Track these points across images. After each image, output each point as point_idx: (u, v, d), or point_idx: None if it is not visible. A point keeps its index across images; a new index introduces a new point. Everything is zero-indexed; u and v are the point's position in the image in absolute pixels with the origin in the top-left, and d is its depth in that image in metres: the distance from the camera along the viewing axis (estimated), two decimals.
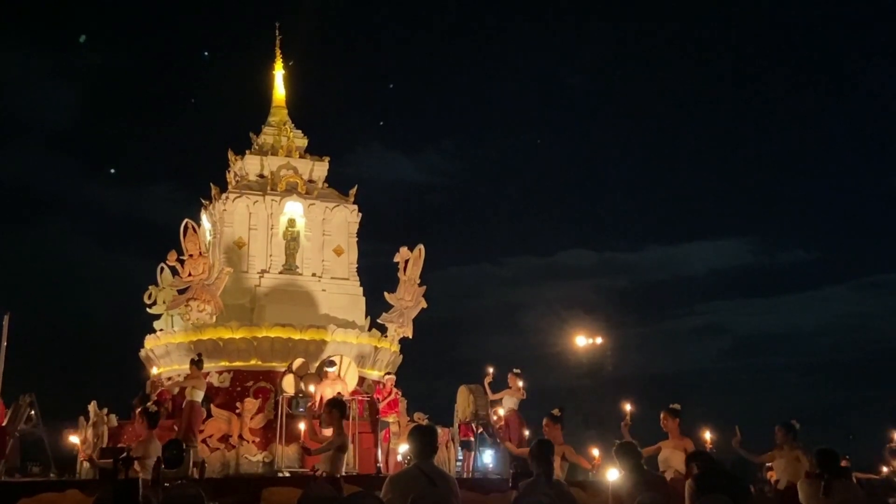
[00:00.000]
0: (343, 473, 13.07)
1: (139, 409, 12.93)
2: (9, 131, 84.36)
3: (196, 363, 20.03)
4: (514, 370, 22.18)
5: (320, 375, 21.80)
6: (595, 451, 15.17)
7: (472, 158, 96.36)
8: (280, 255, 27.41)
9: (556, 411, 14.32)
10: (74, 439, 12.99)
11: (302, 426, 18.55)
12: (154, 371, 26.22)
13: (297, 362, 23.05)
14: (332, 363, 21.39)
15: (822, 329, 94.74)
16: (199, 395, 19.65)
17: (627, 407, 16.34)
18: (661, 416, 13.97)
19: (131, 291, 30.41)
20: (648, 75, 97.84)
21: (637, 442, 14.13)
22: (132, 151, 77.17)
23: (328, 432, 13.26)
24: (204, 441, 21.55)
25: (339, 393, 20.11)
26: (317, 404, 19.97)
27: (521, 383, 21.94)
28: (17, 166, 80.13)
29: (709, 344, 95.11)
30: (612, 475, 9.63)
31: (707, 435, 14.41)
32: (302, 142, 29.85)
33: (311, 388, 21.22)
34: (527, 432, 21.31)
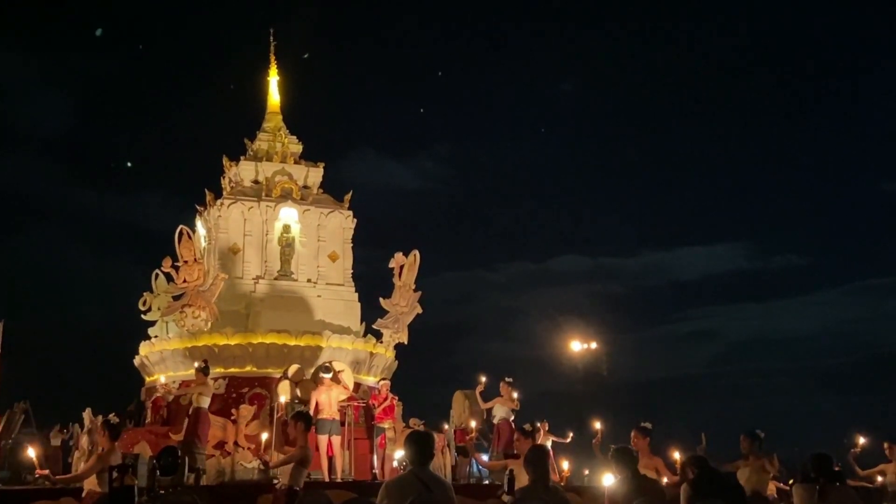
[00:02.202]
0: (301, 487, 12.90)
1: (101, 422, 12.74)
2: (1, 138, 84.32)
3: (202, 370, 19.84)
4: (507, 379, 22.20)
5: (315, 382, 21.77)
6: (565, 464, 15.16)
7: (465, 164, 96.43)
8: (275, 261, 27.41)
9: (527, 426, 14.30)
10: (31, 453, 12.68)
11: (265, 436, 18.51)
12: (149, 378, 26.18)
13: (293, 368, 23.04)
14: (327, 369, 21.37)
15: (816, 333, 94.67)
16: (206, 402, 19.57)
17: (598, 425, 16.35)
18: (632, 434, 13.86)
19: (126, 298, 30.44)
20: (641, 80, 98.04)
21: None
22: (126, 158, 77.24)
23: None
24: None
25: (297, 399, 20.09)
26: (311, 410, 19.93)
27: (515, 394, 21.93)
28: (10, 173, 80.00)
29: (702, 349, 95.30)
30: (608, 480, 9.63)
31: (676, 455, 14.31)
32: (296, 148, 29.85)
33: (281, 395, 21.17)
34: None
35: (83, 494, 12.34)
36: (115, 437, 12.42)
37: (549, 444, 21.69)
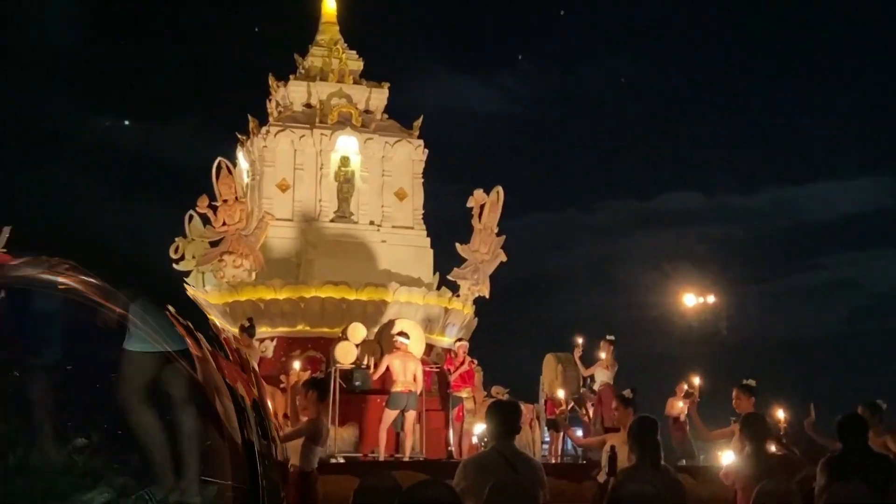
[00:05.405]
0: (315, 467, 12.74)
1: None
2: (4, 58, 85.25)
3: (246, 329, 19.63)
4: (608, 337, 22.06)
5: (382, 345, 21.79)
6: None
7: (557, 84, 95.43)
8: (331, 201, 27.50)
9: (627, 392, 14.37)
10: None
11: (270, 404, 18.53)
12: None
13: (353, 328, 23.16)
14: (405, 335, 20.99)
15: None
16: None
17: (696, 381, 16.36)
18: (734, 393, 13.88)
19: (154, 244, 30.76)
20: None
21: (706, 423, 14.31)
22: (151, 79, 77.72)
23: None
24: None
25: (360, 365, 20.18)
26: (379, 378, 19.97)
27: (604, 354, 21.79)
28: (15, 98, 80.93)
29: (839, 302, 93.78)
30: (728, 458, 9.65)
31: (780, 414, 14.34)
32: (356, 65, 29.81)
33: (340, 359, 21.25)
34: None
35: None
36: None
37: (684, 412, 21.25)
